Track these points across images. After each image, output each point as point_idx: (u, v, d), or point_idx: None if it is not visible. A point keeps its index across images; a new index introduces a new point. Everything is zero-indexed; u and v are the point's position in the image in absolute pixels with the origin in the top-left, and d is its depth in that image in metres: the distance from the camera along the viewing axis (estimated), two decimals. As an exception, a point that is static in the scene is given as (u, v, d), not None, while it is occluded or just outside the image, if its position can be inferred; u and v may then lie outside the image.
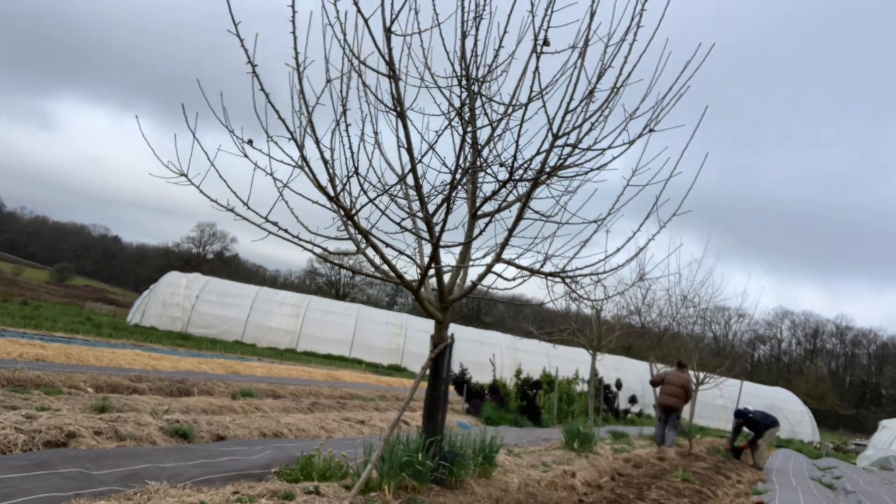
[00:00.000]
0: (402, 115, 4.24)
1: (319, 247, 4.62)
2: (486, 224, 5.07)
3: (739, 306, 19.18)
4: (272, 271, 78.85)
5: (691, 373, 18.78)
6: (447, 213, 4.54)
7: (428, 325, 5.43)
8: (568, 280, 5.29)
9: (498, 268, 5.16)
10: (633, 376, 33.42)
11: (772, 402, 40.47)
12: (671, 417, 13.92)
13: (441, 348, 5.21)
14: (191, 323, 31.30)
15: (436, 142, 4.75)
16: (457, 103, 4.65)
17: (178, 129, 3.98)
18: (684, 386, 13.69)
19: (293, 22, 3.83)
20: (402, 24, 4.19)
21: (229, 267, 68.08)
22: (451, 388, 10.37)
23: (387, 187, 4.81)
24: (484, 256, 5.27)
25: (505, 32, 4.24)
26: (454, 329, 5.61)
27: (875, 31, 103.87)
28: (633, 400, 27.00)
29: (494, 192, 4.79)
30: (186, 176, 4.18)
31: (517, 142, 4.49)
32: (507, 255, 5.09)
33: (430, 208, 4.66)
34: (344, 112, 4.24)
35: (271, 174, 4.31)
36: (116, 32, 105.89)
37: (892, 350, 74.12)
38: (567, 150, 4.62)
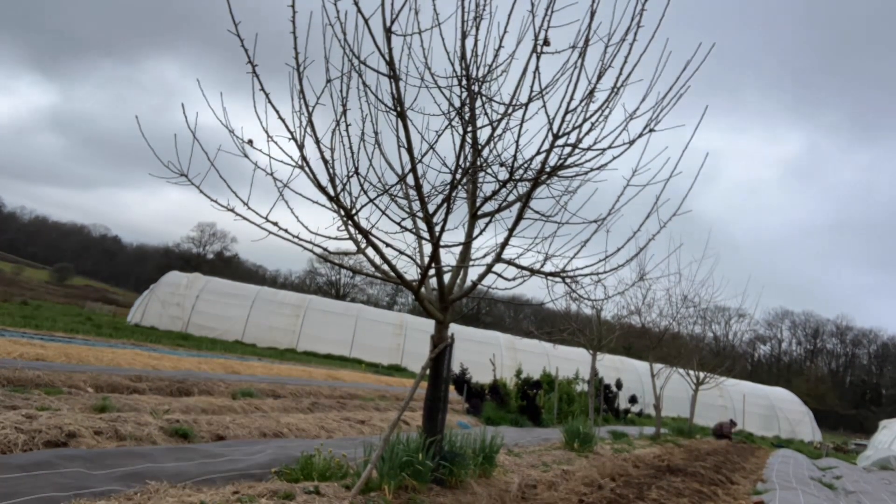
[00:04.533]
0: (402, 115, 4.24)
1: (319, 246, 4.63)
2: (487, 224, 5.08)
3: (740, 306, 19.20)
4: (272, 271, 78.81)
5: (692, 373, 18.99)
6: (447, 212, 4.54)
7: (428, 325, 5.43)
8: (568, 280, 5.29)
9: (498, 268, 5.17)
10: (633, 376, 33.41)
11: (771, 402, 40.51)
12: None
13: (441, 348, 5.21)
14: (191, 323, 31.29)
15: (436, 142, 4.76)
16: (457, 103, 4.65)
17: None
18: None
19: (293, 22, 3.83)
20: (402, 24, 4.20)
21: (229, 267, 68.04)
22: (451, 388, 10.37)
23: (387, 187, 4.81)
24: (484, 256, 5.27)
25: (505, 32, 4.24)
26: (454, 329, 5.61)
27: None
28: (633, 400, 26.99)
29: (495, 192, 4.80)
30: (186, 176, 4.18)
31: (517, 142, 4.49)
32: (507, 254, 5.09)
33: (431, 208, 4.66)
34: (344, 112, 4.24)
35: (271, 174, 4.32)
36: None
37: (892, 350, 74.06)
38: (567, 149, 4.62)
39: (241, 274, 62.44)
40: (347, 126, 4.25)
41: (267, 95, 4.02)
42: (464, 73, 4.48)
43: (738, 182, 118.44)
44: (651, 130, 4.63)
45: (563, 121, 4.45)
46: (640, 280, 12.78)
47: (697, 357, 19.31)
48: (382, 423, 9.71)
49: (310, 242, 4.56)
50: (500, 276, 5.22)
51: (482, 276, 5.26)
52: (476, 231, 5.13)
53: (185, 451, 5.41)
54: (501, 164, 4.78)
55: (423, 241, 5.29)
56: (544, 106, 4.37)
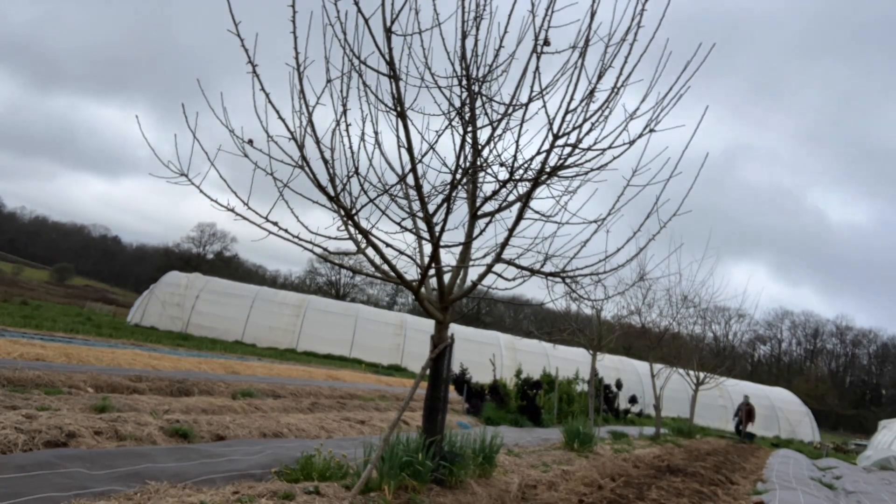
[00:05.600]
0: (402, 115, 4.24)
1: (319, 246, 4.62)
2: (487, 224, 5.07)
3: (739, 306, 19.22)
4: (272, 271, 79.03)
5: (692, 373, 19.04)
6: (447, 213, 4.54)
7: (428, 325, 5.43)
8: (568, 280, 5.29)
9: (498, 268, 5.16)
10: (633, 376, 33.41)
11: (771, 402, 40.50)
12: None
13: (441, 348, 5.21)
14: (191, 323, 31.28)
15: (436, 142, 4.76)
16: (457, 103, 4.65)
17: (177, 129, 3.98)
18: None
19: (293, 22, 3.83)
20: (402, 24, 4.20)
21: (229, 267, 68.09)
22: (451, 388, 10.37)
23: (387, 187, 4.81)
24: (484, 256, 5.27)
25: (505, 32, 4.24)
26: (454, 329, 5.61)
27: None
28: (633, 400, 26.97)
29: (495, 192, 4.80)
30: (186, 176, 4.18)
31: (517, 142, 4.49)
32: (507, 255, 5.09)
33: (431, 208, 4.66)
34: (344, 112, 4.24)
35: (272, 174, 4.32)
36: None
37: (892, 350, 74.08)
38: (567, 150, 4.62)
39: (240, 274, 62.51)
40: (347, 126, 4.26)
41: (267, 95, 4.02)
42: (464, 73, 4.48)
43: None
44: (651, 130, 4.63)
45: (563, 121, 4.45)
46: (640, 280, 12.80)
47: (697, 357, 19.31)
48: (382, 423, 9.71)
49: (310, 242, 4.56)
50: (500, 276, 5.22)
51: (482, 277, 5.26)
52: (476, 231, 5.13)
53: (185, 451, 5.40)
54: (501, 165, 4.78)
55: (423, 241, 5.29)
56: (544, 106, 4.37)
